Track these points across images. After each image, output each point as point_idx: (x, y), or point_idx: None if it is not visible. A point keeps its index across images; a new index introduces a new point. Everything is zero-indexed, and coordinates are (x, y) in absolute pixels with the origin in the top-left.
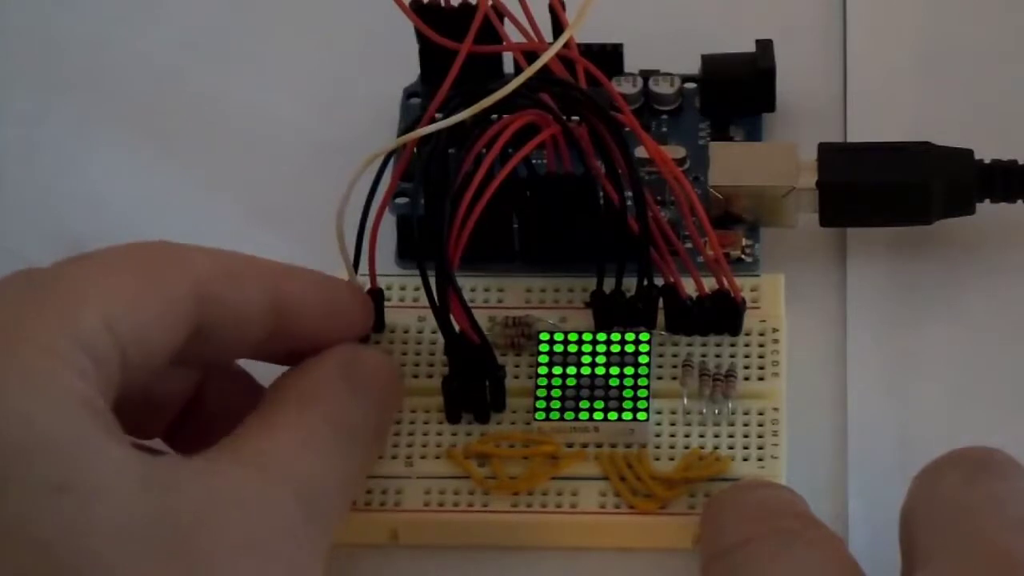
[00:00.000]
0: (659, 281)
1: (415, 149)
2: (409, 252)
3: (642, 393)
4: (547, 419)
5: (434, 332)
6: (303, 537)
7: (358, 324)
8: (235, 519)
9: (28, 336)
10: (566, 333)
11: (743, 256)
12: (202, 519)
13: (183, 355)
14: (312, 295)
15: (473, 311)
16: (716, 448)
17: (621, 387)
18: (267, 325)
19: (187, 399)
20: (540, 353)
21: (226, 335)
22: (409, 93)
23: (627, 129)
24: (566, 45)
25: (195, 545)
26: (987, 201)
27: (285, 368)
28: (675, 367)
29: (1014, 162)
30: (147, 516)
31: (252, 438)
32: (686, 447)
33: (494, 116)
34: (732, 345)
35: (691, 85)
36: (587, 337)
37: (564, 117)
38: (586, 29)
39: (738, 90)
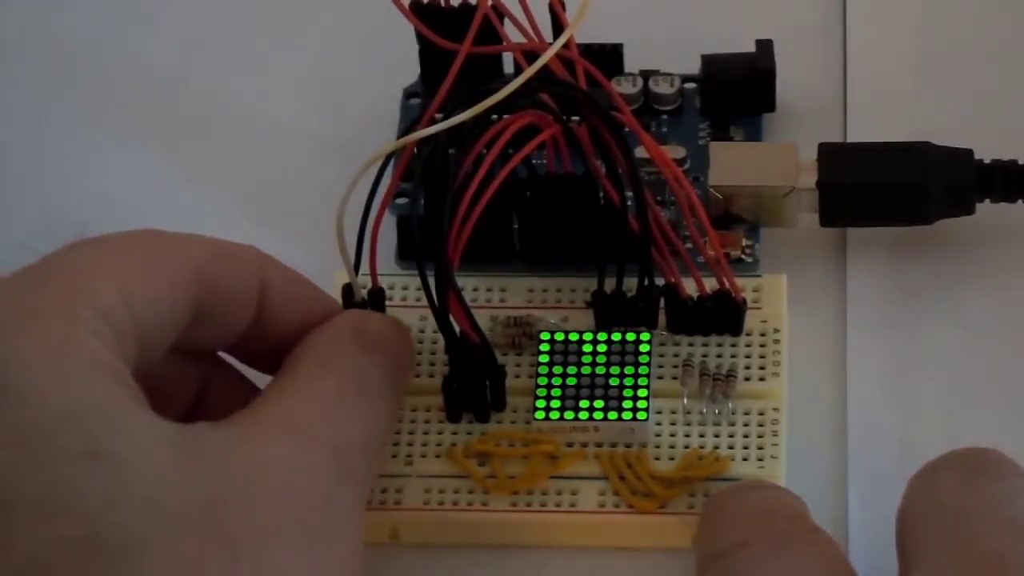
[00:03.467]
0: (660, 281)
1: (415, 149)
2: (409, 252)
3: (642, 393)
4: (547, 418)
5: (435, 332)
6: (340, 501)
7: (332, 310)
8: (272, 486)
9: (51, 305)
10: (567, 332)
11: (743, 256)
12: (237, 488)
13: (181, 341)
14: (289, 287)
15: (475, 311)
16: (716, 448)
17: (621, 387)
18: (252, 312)
19: (189, 400)
20: (541, 352)
21: (218, 320)
22: (409, 93)
23: (627, 129)
24: (566, 45)
25: (231, 515)
26: (987, 201)
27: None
28: (675, 367)
29: (1014, 162)
30: (182, 485)
31: (279, 402)
32: (686, 447)
33: (494, 116)
34: (733, 345)
35: (691, 85)
36: (588, 337)
37: (564, 117)
38: (586, 29)
39: (738, 90)
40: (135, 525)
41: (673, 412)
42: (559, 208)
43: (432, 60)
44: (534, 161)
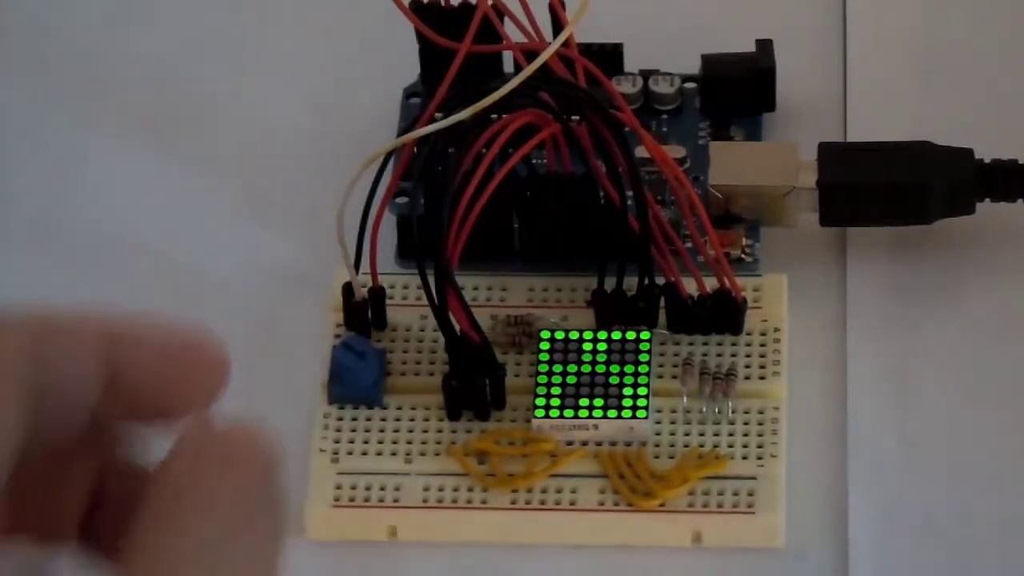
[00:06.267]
0: (660, 280)
1: (415, 148)
2: (409, 251)
3: (642, 392)
4: (547, 417)
5: (435, 330)
6: None
7: (206, 388)
8: None
9: None
10: (567, 331)
11: (743, 256)
12: None
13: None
14: (150, 360)
15: (475, 310)
16: (716, 447)
17: (621, 385)
18: (98, 388)
19: (81, 511)
20: (541, 351)
21: (55, 398)
22: (409, 93)
23: (627, 128)
24: (566, 44)
25: None
26: (987, 201)
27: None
28: (675, 366)
29: (1014, 162)
30: None
31: (160, 552)
32: (686, 446)
33: (494, 115)
34: (733, 344)
35: (691, 85)
36: (588, 335)
37: (564, 116)
38: (586, 29)
39: (738, 90)
40: None
41: (673, 411)
42: (559, 208)
43: (432, 59)
44: (534, 161)
